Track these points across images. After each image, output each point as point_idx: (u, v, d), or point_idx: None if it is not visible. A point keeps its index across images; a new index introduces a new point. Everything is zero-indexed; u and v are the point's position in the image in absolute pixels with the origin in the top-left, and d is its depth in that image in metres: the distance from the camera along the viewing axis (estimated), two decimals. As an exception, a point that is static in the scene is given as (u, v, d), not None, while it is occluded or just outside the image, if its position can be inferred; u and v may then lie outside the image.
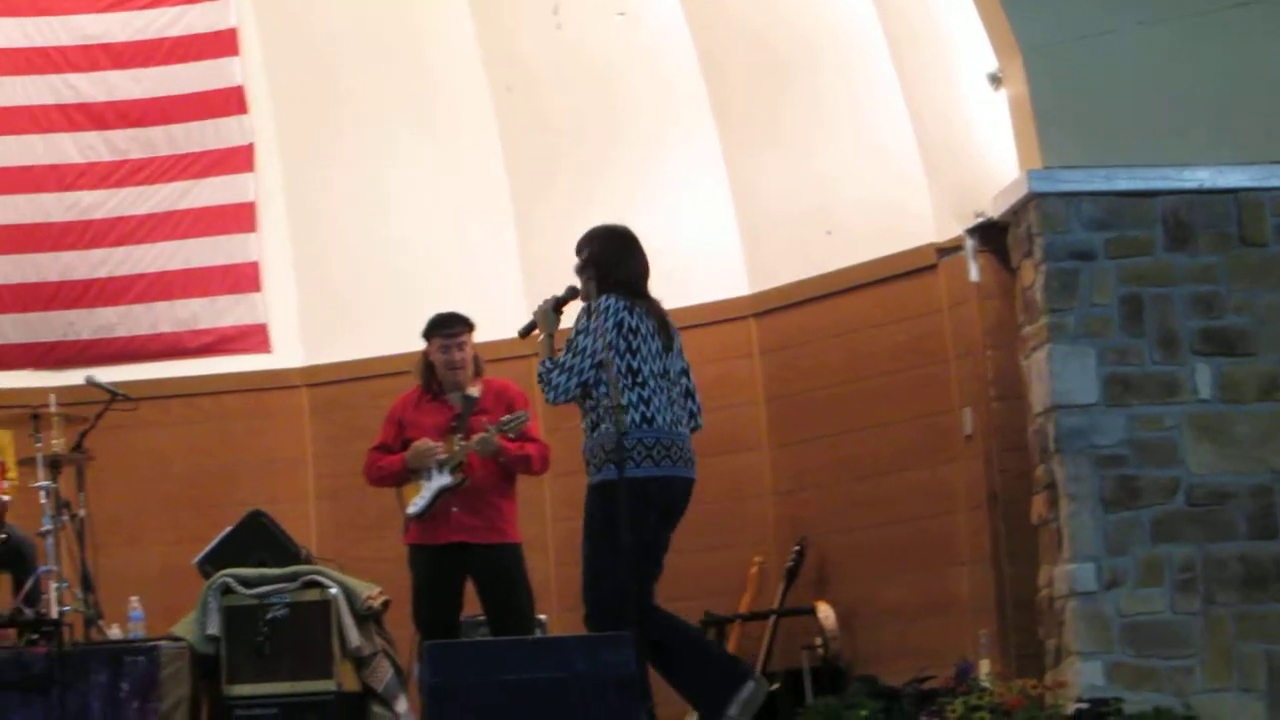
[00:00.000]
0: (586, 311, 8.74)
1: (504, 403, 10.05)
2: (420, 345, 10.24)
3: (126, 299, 13.30)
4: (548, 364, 8.67)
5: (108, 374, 11.89)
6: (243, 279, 13.29)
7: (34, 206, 13.32)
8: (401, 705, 10.14)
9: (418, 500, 9.92)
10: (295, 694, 9.89)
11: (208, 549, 10.66)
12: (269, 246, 13.42)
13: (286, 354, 13.35)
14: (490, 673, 8.03)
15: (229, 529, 10.77)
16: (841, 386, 11.58)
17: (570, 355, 8.67)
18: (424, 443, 9.90)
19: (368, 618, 10.14)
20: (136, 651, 10.14)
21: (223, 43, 13.32)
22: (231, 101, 13.31)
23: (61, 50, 13.28)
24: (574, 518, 11.21)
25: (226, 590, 10.09)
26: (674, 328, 9.07)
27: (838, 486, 11.57)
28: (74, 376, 12.16)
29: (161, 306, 13.32)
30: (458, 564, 9.93)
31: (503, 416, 9.85)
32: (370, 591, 10.21)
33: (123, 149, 13.32)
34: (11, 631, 10.32)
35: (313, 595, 10.06)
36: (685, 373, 9.05)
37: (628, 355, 8.70)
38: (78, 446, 11.03)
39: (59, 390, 11.71)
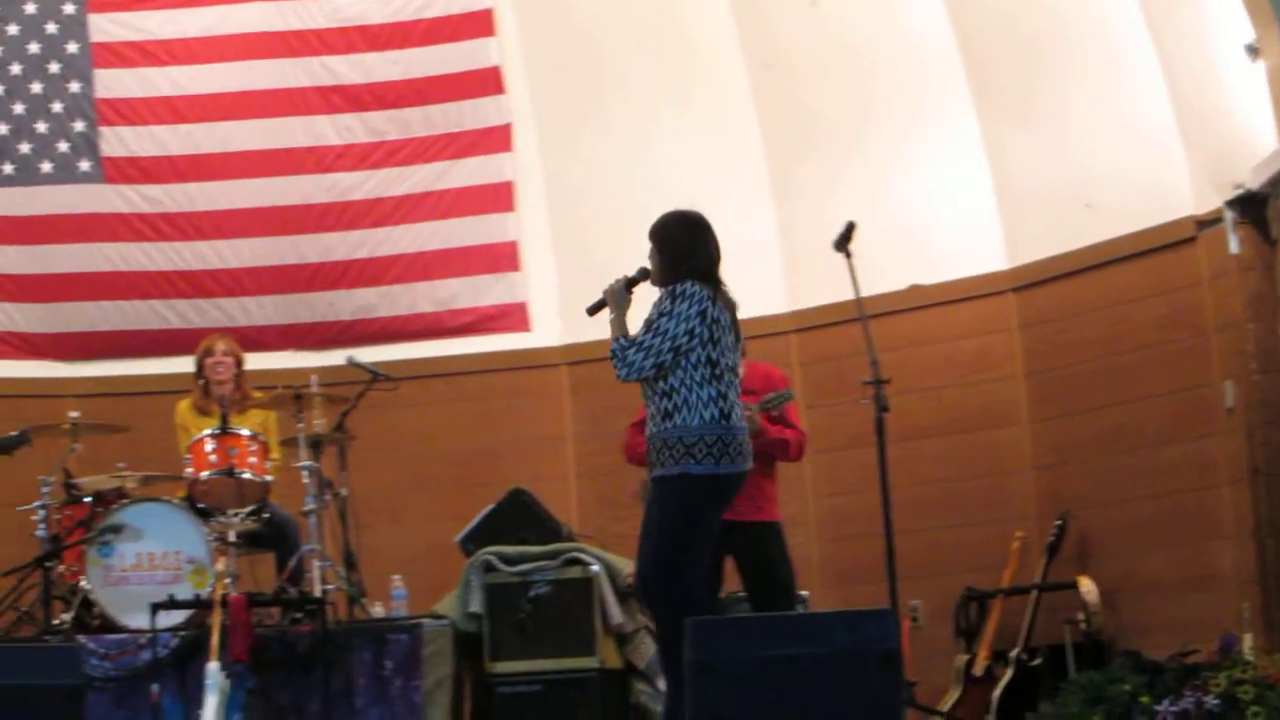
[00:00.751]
0: (671, 295, 9.24)
1: (770, 385, 10.37)
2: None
3: (386, 280, 14.19)
4: (623, 341, 9.16)
5: (368, 354, 12.84)
6: (501, 258, 14.09)
7: (293, 189, 14.20)
8: (663, 682, 10.00)
9: None
10: (558, 670, 10.55)
11: (470, 527, 11.44)
12: (527, 225, 14.16)
13: (546, 332, 14.13)
14: (752, 649, 8.39)
15: (491, 507, 11.50)
16: (1101, 360, 12.11)
17: (650, 335, 9.14)
18: None
19: (629, 595, 10.66)
20: (399, 629, 10.91)
21: (478, 23, 14.08)
22: (488, 82, 14.07)
23: (318, 33, 14.17)
24: (835, 494, 12.40)
25: (489, 568, 10.84)
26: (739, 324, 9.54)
27: (1098, 461, 12.10)
28: (335, 357, 13.15)
29: (421, 287, 14.19)
30: (721, 542, 10.07)
31: (766, 395, 10.16)
32: (632, 568, 10.14)
33: (380, 130, 14.21)
34: (276, 611, 11.15)
35: (575, 572, 10.73)
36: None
37: (709, 346, 9.21)
38: (339, 426, 11.97)
39: (320, 371, 12.58)
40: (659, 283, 9.45)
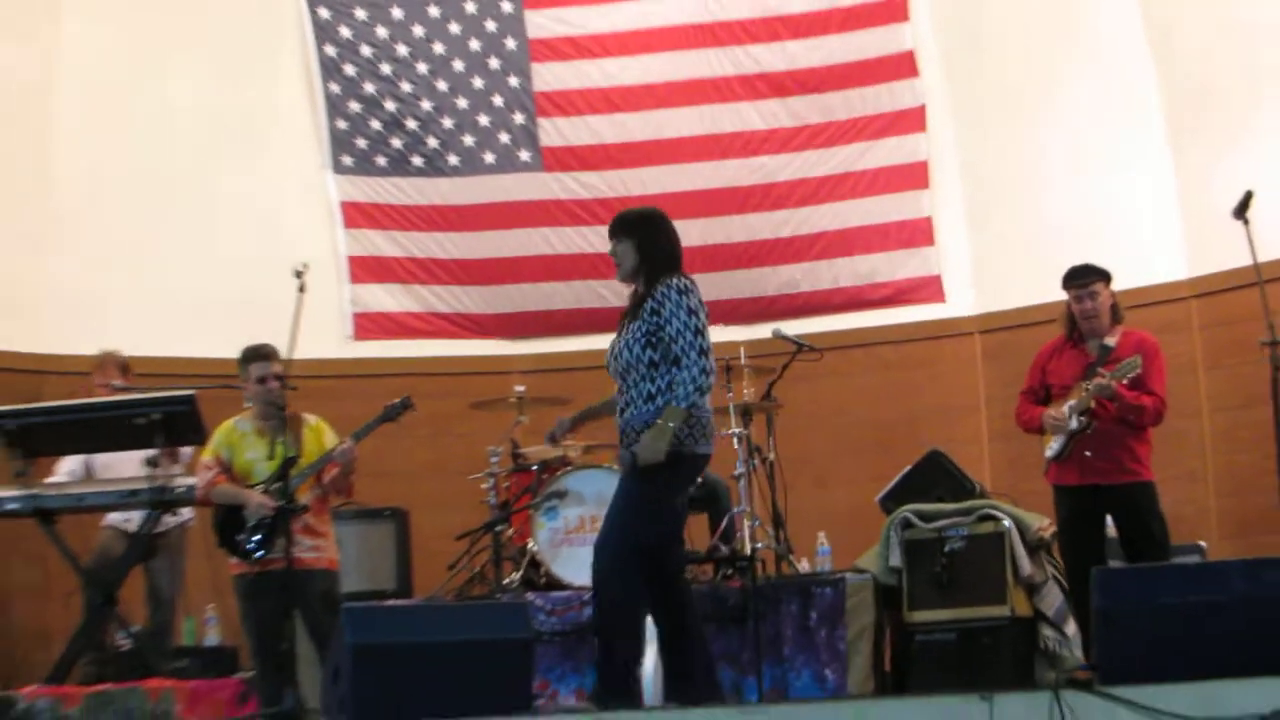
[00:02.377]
0: (679, 291, 9.52)
1: (1140, 350, 10.76)
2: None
3: (809, 256, 14.65)
4: (694, 378, 9.38)
5: (793, 327, 13.13)
6: (917, 233, 14.45)
7: (720, 173, 14.74)
8: (1071, 629, 10.64)
9: (1053, 444, 10.95)
10: (972, 619, 10.55)
11: (889, 487, 11.60)
12: (940, 202, 14.44)
13: (959, 303, 14.40)
14: (1154, 597, 8.79)
15: (908, 468, 11.67)
16: None
17: (703, 339, 9.49)
18: (1052, 408, 10.93)
19: (1038, 547, 10.74)
20: (824, 583, 11.11)
21: (893, 10, 14.48)
22: (903, 66, 14.49)
23: (742, 23, 14.67)
24: (1233, 451, 12.42)
25: (907, 525, 10.94)
26: None
27: None
28: (761, 331, 13.54)
29: (842, 262, 14.61)
30: (1094, 503, 10.81)
31: (1123, 362, 10.62)
32: (1040, 523, 10.79)
33: (802, 115, 14.67)
34: (709, 567, 11.54)
35: (987, 528, 10.72)
36: None
37: (704, 334, 9.56)
38: (767, 395, 12.29)
39: (747, 344, 12.74)
40: (637, 275, 9.84)
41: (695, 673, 9.62)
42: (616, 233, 9.91)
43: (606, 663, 9.56)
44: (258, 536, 10.77)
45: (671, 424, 9.42)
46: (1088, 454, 10.87)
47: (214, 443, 11.06)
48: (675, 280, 9.66)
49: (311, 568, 10.86)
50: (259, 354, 10.94)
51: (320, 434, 11.10)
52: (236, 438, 11.03)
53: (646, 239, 9.86)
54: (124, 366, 12.71)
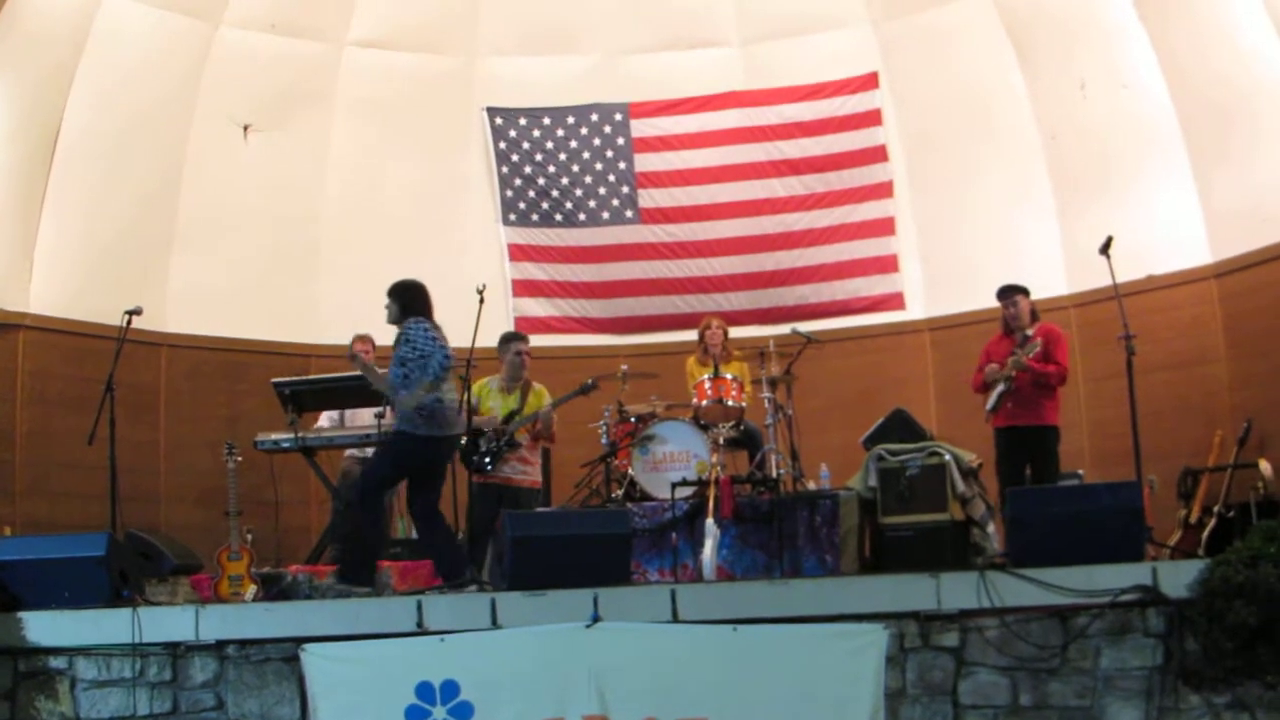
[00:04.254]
0: (410, 329, 9.70)
1: (1046, 341, 10.77)
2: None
3: (815, 280, 14.40)
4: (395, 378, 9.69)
5: (806, 326, 12.84)
6: (886, 265, 14.17)
7: (757, 225, 14.51)
8: (991, 529, 10.42)
9: (990, 400, 10.93)
10: (924, 522, 10.32)
11: (868, 433, 11.17)
12: (901, 243, 14.19)
13: (914, 310, 14.17)
14: (1048, 507, 8.93)
15: (881, 420, 11.24)
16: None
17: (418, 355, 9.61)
18: (992, 366, 10.91)
19: (969, 474, 10.53)
20: (825, 497, 10.90)
21: (871, 118, 14.18)
22: (877, 154, 14.17)
23: (772, 127, 14.39)
24: (1100, 408, 12.23)
25: (880, 458, 10.59)
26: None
27: (1273, 385, 11.90)
28: (783, 329, 13.05)
29: (837, 284, 14.33)
30: (1017, 439, 10.82)
31: (1029, 345, 10.66)
32: (970, 457, 10.63)
33: (811, 186, 14.35)
34: (748, 487, 11.11)
35: (934, 460, 10.46)
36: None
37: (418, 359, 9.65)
38: (787, 371, 11.97)
39: (775, 338, 12.42)
40: (396, 322, 9.89)
41: (441, 550, 9.94)
42: (389, 295, 10.00)
43: (359, 548, 9.93)
44: (488, 458, 10.90)
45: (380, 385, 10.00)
46: (1010, 405, 10.89)
47: (472, 389, 10.96)
48: (410, 322, 9.78)
49: (521, 485, 10.99)
50: (513, 337, 11.18)
51: (541, 397, 11.22)
52: (486, 391, 11.20)
53: (404, 299, 9.93)
54: (373, 345, 12.44)
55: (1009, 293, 11.10)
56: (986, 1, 13.38)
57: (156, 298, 12.92)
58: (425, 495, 9.96)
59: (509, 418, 10.86)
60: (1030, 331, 10.98)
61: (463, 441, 10.80)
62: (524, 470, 11.07)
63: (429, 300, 10.06)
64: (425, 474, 9.99)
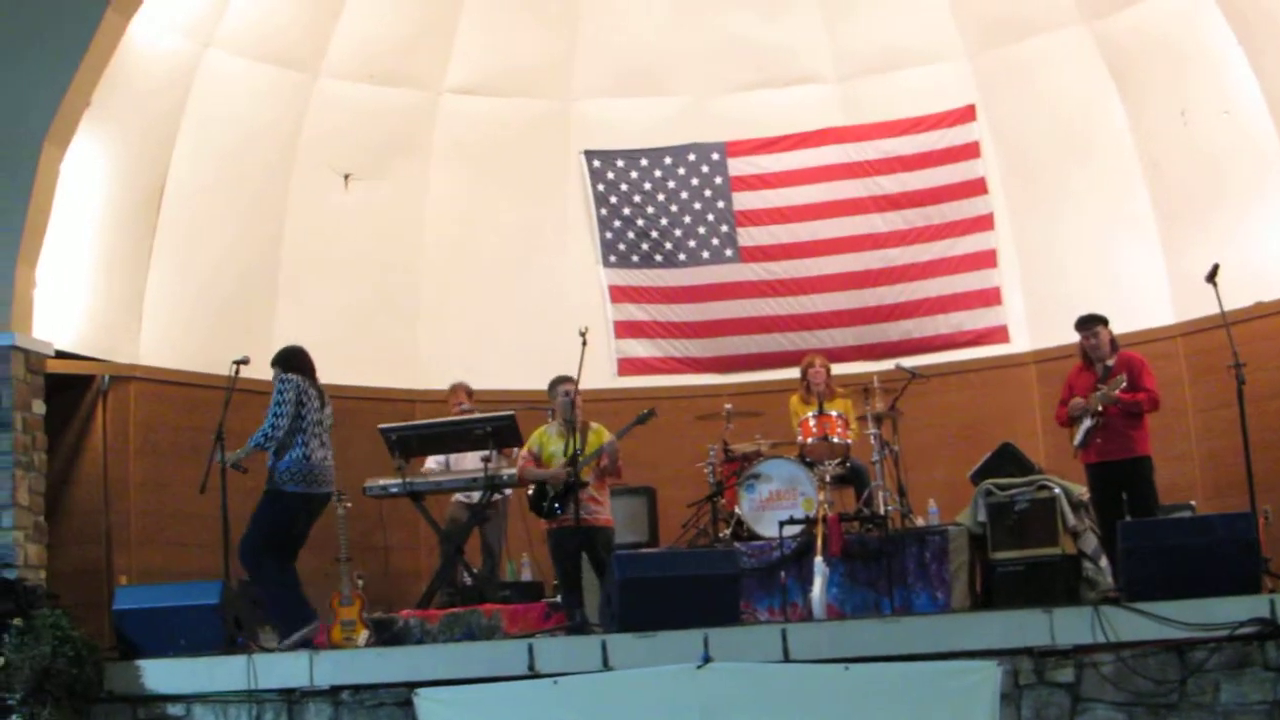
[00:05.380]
0: (280, 384, 10.30)
1: (1130, 370, 10.71)
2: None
3: (918, 314, 14.27)
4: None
5: (909, 361, 13.03)
6: (989, 298, 14.04)
7: (858, 261, 14.38)
8: (1104, 563, 10.43)
9: (1077, 436, 10.80)
10: (1035, 556, 10.41)
11: (976, 468, 11.31)
12: (1004, 276, 14.02)
13: (1019, 343, 13.96)
14: (1161, 540, 9.06)
15: (988, 455, 11.36)
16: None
17: (275, 419, 10.16)
18: (1076, 400, 10.80)
19: (1079, 507, 10.65)
20: (934, 533, 11.00)
21: (970, 151, 14.07)
22: (977, 187, 14.05)
23: (872, 162, 14.29)
24: (1210, 438, 12.11)
25: (989, 493, 10.72)
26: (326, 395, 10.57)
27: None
28: (887, 364, 13.26)
29: (940, 318, 14.20)
30: (1109, 474, 10.69)
31: (1113, 379, 10.59)
32: (1080, 490, 10.67)
33: (912, 221, 14.26)
34: (856, 524, 11.22)
35: (1044, 494, 10.55)
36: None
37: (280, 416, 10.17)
38: (892, 407, 12.06)
39: (879, 374, 12.70)
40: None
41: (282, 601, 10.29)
42: (272, 364, 10.62)
43: (277, 608, 10.29)
44: (556, 504, 10.72)
45: (242, 453, 10.32)
46: (1099, 441, 10.72)
47: (529, 441, 11.13)
48: (282, 378, 10.31)
49: (594, 524, 10.79)
50: (561, 380, 10.97)
51: (600, 435, 11.04)
52: (545, 439, 11.05)
53: (283, 362, 10.55)
54: (469, 393, 12.80)
55: (1089, 323, 10.98)
56: (1083, 30, 13.24)
57: (262, 346, 12.99)
58: (290, 549, 10.30)
59: (572, 460, 10.82)
60: (1111, 363, 10.86)
61: (529, 492, 11.04)
62: (595, 510, 10.99)
63: (310, 363, 10.65)
64: (295, 530, 10.33)
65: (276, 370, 10.44)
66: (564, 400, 11.00)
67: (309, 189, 13.87)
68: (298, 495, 10.18)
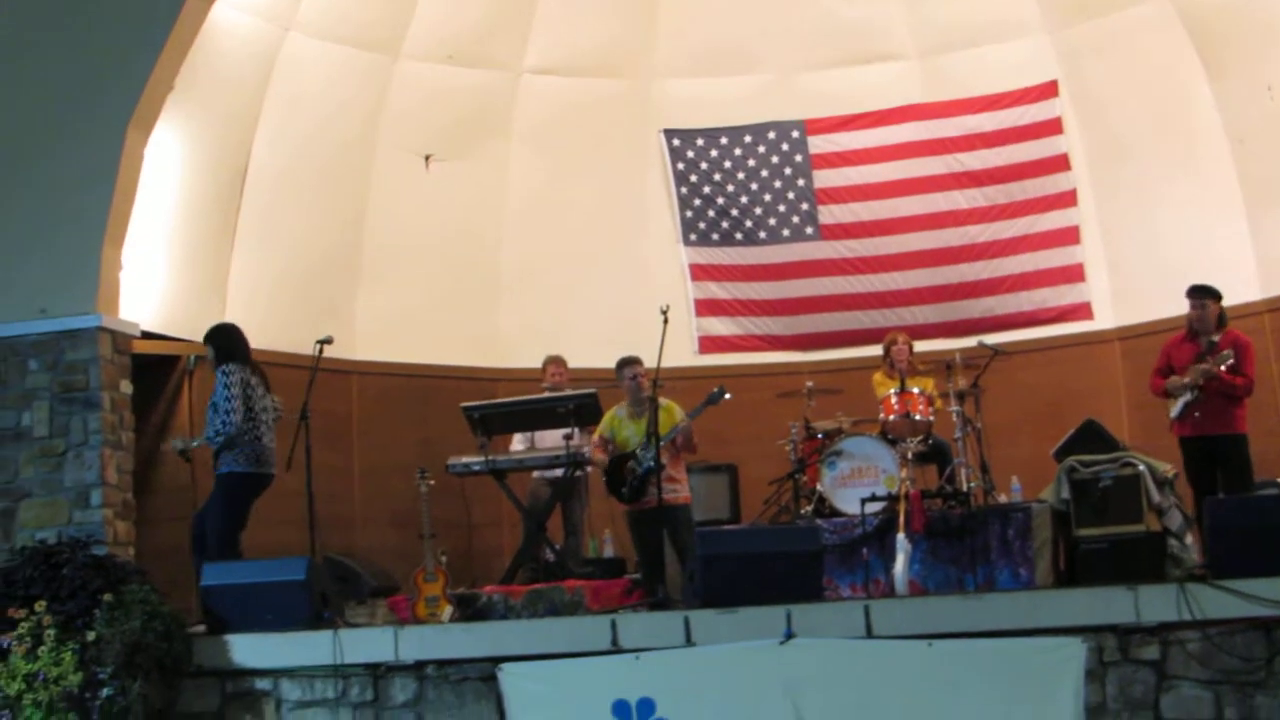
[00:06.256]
0: (224, 374, 10.28)
1: (1236, 350, 10.60)
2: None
3: (1000, 291, 14.23)
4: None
5: (992, 338, 12.86)
6: (1072, 274, 13.97)
7: (939, 239, 14.40)
8: (1189, 539, 10.37)
9: (1174, 409, 10.80)
10: (1119, 533, 10.27)
11: (1060, 444, 11.20)
12: (1087, 252, 13.94)
13: (1103, 320, 13.89)
14: (1246, 518, 8.96)
15: (1072, 431, 11.24)
16: None
17: (226, 405, 10.18)
18: (1174, 379, 10.76)
19: (1163, 484, 10.50)
20: (1017, 510, 10.89)
21: (1052, 126, 13.98)
22: (1059, 163, 13.97)
23: (952, 139, 14.25)
24: None
25: (1072, 470, 10.59)
26: (268, 379, 10.59)
27: None
28: (969, 341, 13.05)
29: (1023, 295, 14.14)
30: (1207, 451, 10.62)
31: (1219, 354, 10.54)
32: (1165, 468, 10.57)
33: (993, 198, 14.19)
34: (938, 501, 11.17)
35: (1128, 471, 10.43)
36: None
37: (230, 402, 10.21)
38: (974, 384, 12.02)
39: (962, 350, 12.54)
40: (214, 366, 10.48)
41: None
42: (204, 339, 10.72)
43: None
44: (632, 486, 10.89)
45: (194, 443, 10.46)
46: (1197, 415, 10.67)
47: (600, 426, 11.27)
48: (224, 369, 10.33)
49: (674, 504, 10.84)
50: (627, 361, 11.13)
51: (673, 413, 11.10)
52: (617, 422, 11.20)
53: (218, 343, 10.61)
54: (561, 367, 12.91)
55: (1201, 294, 10.91)
56: (1166, 5, 13.11)
57: (345, 326, 13.22)
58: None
59: (646, 441, 10.92)
60: (1216, 339, 10.79)
61: (605, 477, 11.20)
62: (674, 489, 11.06)
63: (244, 343, 10.68)
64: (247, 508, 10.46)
65: (210, 353, 10.56)
66: (630, 383, 11.16)
67: (390, 170, 13.97)
68: (250, 475, 10.35)
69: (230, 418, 10.19)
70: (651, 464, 10.74)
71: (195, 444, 10.51)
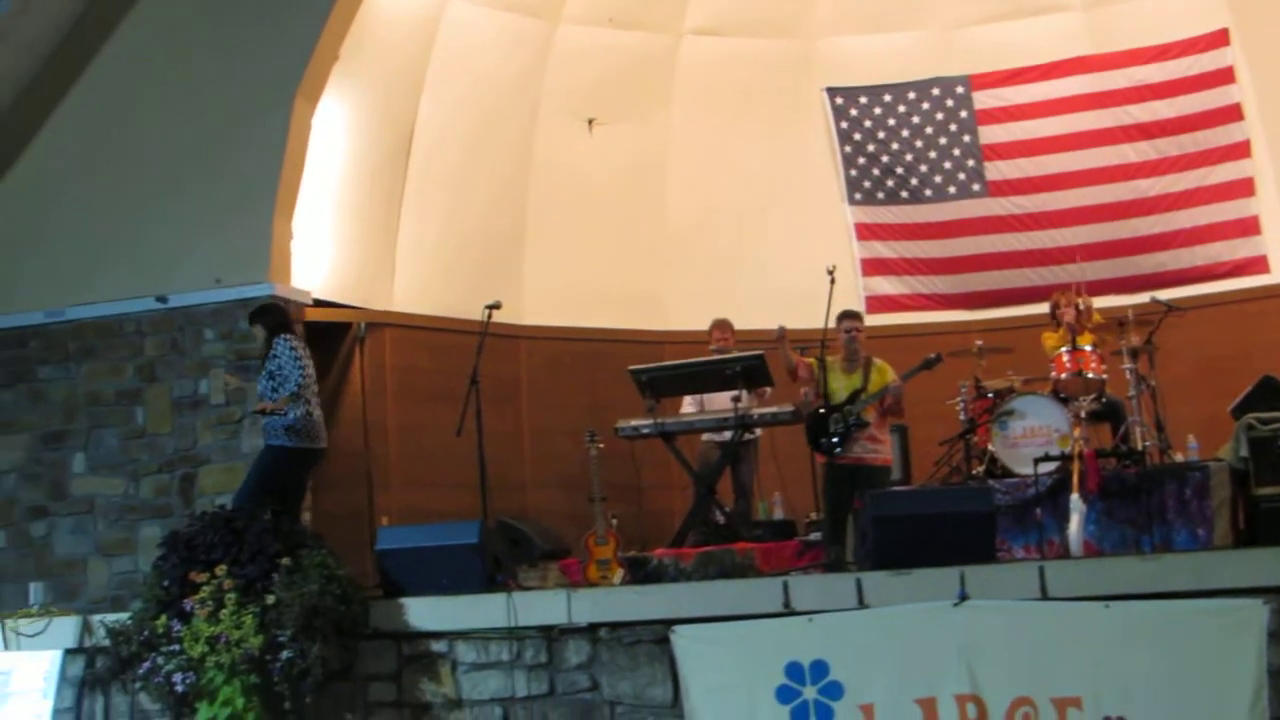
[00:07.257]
0: (288, 346, 10.11)
1: None
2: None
3: (1173, 246, 14.01)
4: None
5: (1165, 294, 12.81)
6: (1247, 228, 13.74)
7: (1109, 193, 14.15)
8: None
9: None
10: None
11: (1236, 401, 10.99)
12: (1263, 204, 13.61)
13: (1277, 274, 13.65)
14: None
15: (1249, 388, 11.06)
16: None
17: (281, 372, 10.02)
18: None
19: None
20: (1194, 469, 10.81)
21: (1225, 75, 13.72)
22: (1233, 113, 13.70)
23: (1121, 91, 14.00)
24: None
25: (1250, 427, 10.40)
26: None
27: None
28: (1142, 298, 13.04)
29: (1197, 249, 13.92)
30: None
31: None
32: None
33: (1164, 150, 13.95)
34: (1113, 460, 11.11)
35: None
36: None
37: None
38: (1148, 341, 11.96)
39: (1134, 308, 12.46)
40: (266, 342, 10.34)
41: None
42: (250, 319, 10.62)
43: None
44: (836, 440, 10.92)
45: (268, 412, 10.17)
46: None
47: (814, 360, 11.25)
48: (280, 339, 10.21)
49: (873, 464, 11.04)
50: (847, 314, 11.24)
51: (884, 373, 11.20)
52: (832, 369, 11.24)
53: (269, 320, 10.42)
54: (728, 330, 12.79)
55: None
56: (1341, -56, 12.72)
57: (512, 291, 13.35)
58: (287, 508, 10.24)
59: (853, 397, 10.96)
60: None
61: (808, 426, 11.15)
62: (874, 449, 11.12)
63: (291, 319, 10.68)
64: (292, 486, 10.39)
65: (261, 331, 10.46)
66: (846, 337, 11.21)
67: (553, 135, 14.07)
68: (300, 450, 10.30)
69: (307, 374, 10.19)
70: (857, 420, 10.85)
71: (276, 404, 10.34)
